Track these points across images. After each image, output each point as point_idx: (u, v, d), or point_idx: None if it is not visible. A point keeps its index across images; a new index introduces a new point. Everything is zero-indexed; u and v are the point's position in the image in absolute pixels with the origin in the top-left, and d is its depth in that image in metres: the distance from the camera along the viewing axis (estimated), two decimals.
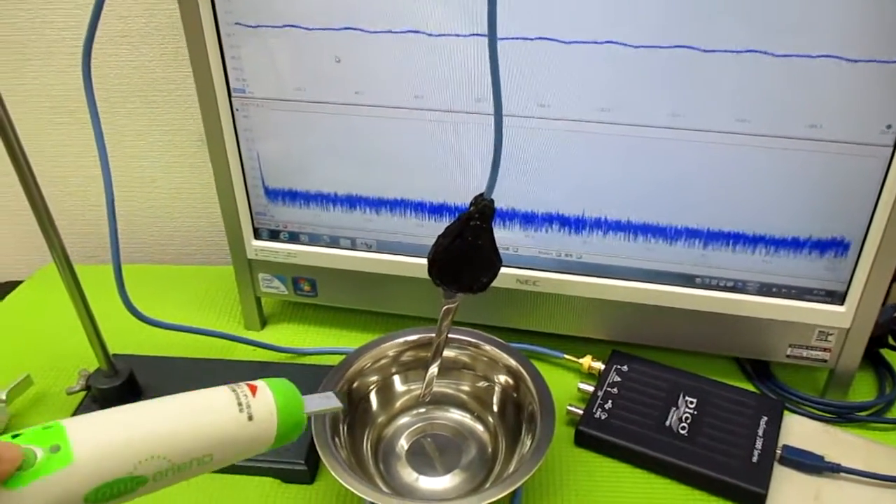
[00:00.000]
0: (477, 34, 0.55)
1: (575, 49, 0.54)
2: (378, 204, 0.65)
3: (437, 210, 0.64)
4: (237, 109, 0.62)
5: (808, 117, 0.53)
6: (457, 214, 0.49)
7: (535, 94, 0.56)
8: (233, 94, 0.61)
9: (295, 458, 0.57)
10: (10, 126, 0.49)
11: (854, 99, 0.52)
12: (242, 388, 0.37)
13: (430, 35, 0.55)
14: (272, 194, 0.66)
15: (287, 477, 0.57)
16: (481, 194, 0.48)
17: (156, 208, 0.88)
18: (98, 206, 0.89)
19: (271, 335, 0.74)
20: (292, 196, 0.66)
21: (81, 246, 0.91)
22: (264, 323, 0.76)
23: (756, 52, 0.51)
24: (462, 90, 0.57)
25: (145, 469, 0.32)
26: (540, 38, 0.54)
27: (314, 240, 0.68)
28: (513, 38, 0.54)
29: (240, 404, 0.36)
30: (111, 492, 0.31)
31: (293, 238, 0.69)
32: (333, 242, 0.68)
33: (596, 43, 0.53)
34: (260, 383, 0.38)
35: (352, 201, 0.65)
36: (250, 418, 0.36)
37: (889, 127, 0.52)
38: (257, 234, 0.69)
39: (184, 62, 0.78)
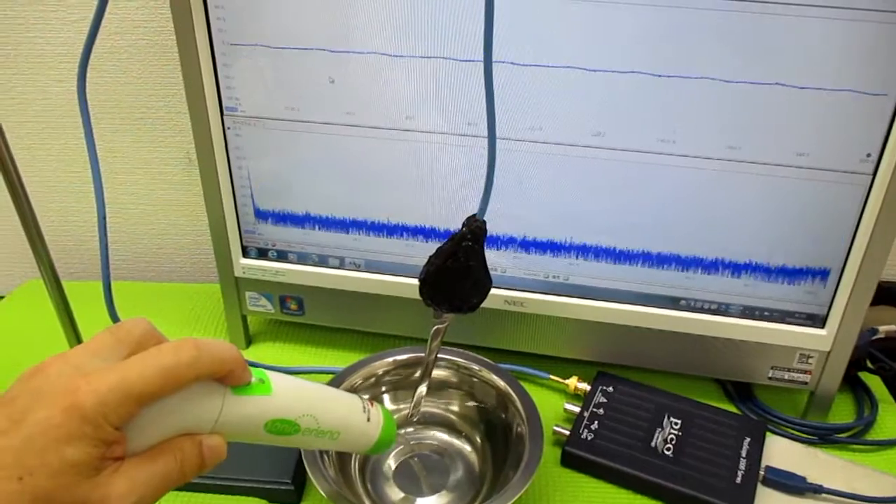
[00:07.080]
0: (467, 59, 0.56)
1: (568, 74, 0.55)
2: (367, 224, 0.65)
3: (426, 231, 0.64)
4: (229, 128, 0.62)
5: (796, 145, 0.55)
6: (446, 236, 0.49)
7: (528, 117, 0.57)
8: (225, 112, 0.62)
9: (282, 478, 0.56)
10: (2, 140, 0.49)
11: (838, 128, 0.53)
12: (363, 397, 0.47)
13: (424, 58, 0.56)
14: (261, 213, 0.66)
15: (273, 496, 0.57)
16: (473, 215, 0.48)
17: (141, 225, 0.88)
18: (80, 222, 0.88)
19: (257, 354, 0.74)
20: (282, 215, 0.66)
21: (64, 262, 0.90)
22: (249, 341, 0.76)
23: (749, 81, 0.53)
24: (454, 113, 0.58)
25: (302, 421, 0.41)
26: (534, 65, 0.55)
27: (302, 258, 0.68)
28: (506, 63, 0.55)
29: (363, 407, 0.46)
30: (279, 428, 0.40)
31: (281, 256, 0.69)
32: (322, 261, 0.68)
33: (588, 69, 0.54)
34: (374, 402, 0.48)
35: (341, 221, 0.65)
36: (368, 419, 0.46)
37: (868, 155, 0.54)
38: (245, 252, 0.69)
39: (172, 79, 0.78)
